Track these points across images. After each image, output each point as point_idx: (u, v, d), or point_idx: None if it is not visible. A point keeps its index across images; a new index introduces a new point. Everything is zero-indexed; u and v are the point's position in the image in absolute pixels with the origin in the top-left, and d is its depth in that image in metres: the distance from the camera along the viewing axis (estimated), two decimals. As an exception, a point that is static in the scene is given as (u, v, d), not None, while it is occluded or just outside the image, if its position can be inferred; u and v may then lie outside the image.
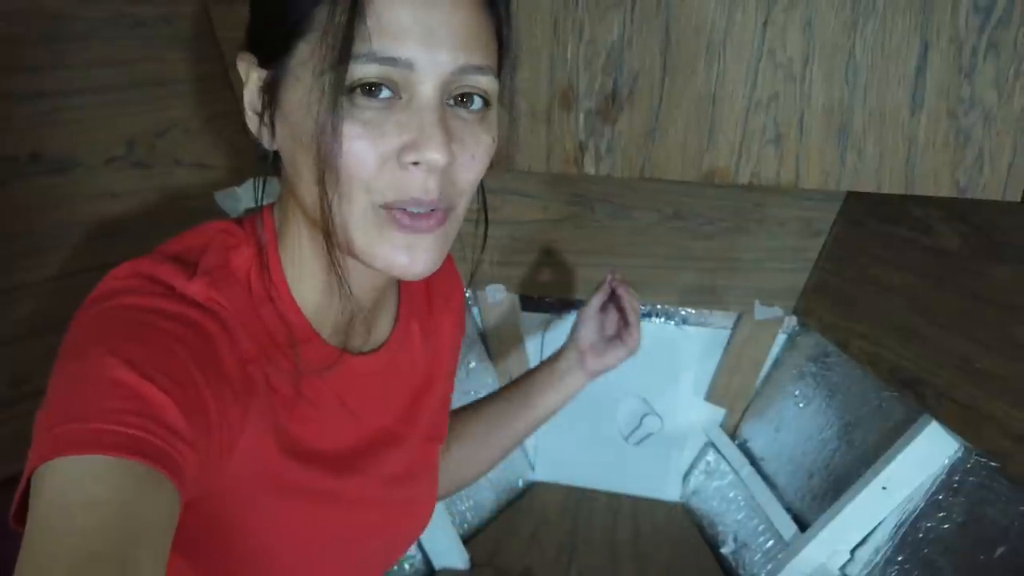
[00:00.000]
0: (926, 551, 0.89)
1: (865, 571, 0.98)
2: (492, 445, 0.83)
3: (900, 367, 0.96)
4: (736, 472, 1.28)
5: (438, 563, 1.18)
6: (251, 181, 0.94)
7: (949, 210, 0.91)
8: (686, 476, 1.41)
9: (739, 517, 1.23)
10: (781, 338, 1.32)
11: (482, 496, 1.32)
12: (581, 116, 0.78)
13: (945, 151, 0.71)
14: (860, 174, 0.74)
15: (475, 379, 1.35)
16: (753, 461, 1.29)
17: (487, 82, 0.47)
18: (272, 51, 0.46)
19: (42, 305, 0.75)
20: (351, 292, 0.52)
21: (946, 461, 0.91)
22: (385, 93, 0.44)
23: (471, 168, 0.48)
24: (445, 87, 0.45)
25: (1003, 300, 0.81)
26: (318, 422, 0.55)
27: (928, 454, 0.92)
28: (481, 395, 0.87)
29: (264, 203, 0.55)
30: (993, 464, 0.83)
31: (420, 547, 1.19)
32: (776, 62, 0.72)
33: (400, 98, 0.45)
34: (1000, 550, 0.79)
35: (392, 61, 0.43)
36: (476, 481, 0.87)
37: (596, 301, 0.85)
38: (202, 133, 0.90)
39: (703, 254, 1.23)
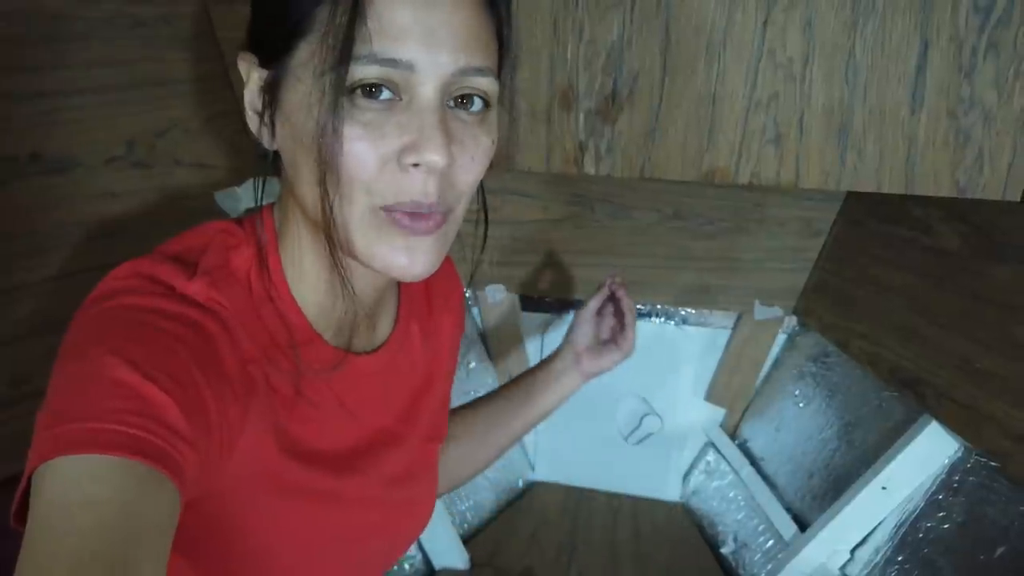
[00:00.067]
0: (926, 551, 0.89)
1: (865, 571, 0.98)
2: (489, 444, 0.83)
3: (900, 367, 0.96)
4: (736, 472, 1.28)
5: (438, 563, 1.18)
6: (251, 181, 0.94)
7: (949, 210, 0.91)
8: (686, 476, 1.41)
9: (739, 517, 1.23)
10: (781, 338, 1.32)
11: (482, 496, 1.32)
12: (581, 116, 0.78)
13: (945, 151, 0.71)
14: (860, 174, 0.74)
15: (475, 379, 1.35)
16: (753, 461, 1.29)
17: (487, 83, 0.47)
18: (273, 51, 0.46)
19: (42, 305, 0.75)
20: (354, 292, 0.52)
21: (946, 461, 0.91)
22: (385, 94, 0.44)
23: (470, 170, 0.48)
24: (445, 88, 0.45)
25: (1003, 300, 0.81)
26: (318, 422, 0.55)
27: (928, 454, 0.92)
28: (481, 395, 0.87)
29: (264, 203, 0.55)
30: (993, 464, 0.83)
31: (420, 547, 1.19)
32: (776, 62, 0.72)
33: (400, 99, 0.45)
34: (1000, 550, 0.79)
35: (393, 62, 0.43)
36: (472, 479, 0.88)
37: (594, 304, 0.86)
38: (202, 133, 0.90)
39: (703, 254, 1.23)
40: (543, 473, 1.45)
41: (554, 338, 1.38)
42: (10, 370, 0.73)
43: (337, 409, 0.57)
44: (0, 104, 0.69)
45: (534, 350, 1.41)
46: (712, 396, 1.38)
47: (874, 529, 0.98)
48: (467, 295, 1.34)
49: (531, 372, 0.85)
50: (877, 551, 0.97)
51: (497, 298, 1.33)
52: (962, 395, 0.85)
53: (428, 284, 0.69)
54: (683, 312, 1.35)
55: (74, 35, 0.74)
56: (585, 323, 0.85)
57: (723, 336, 1.35)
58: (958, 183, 0.72)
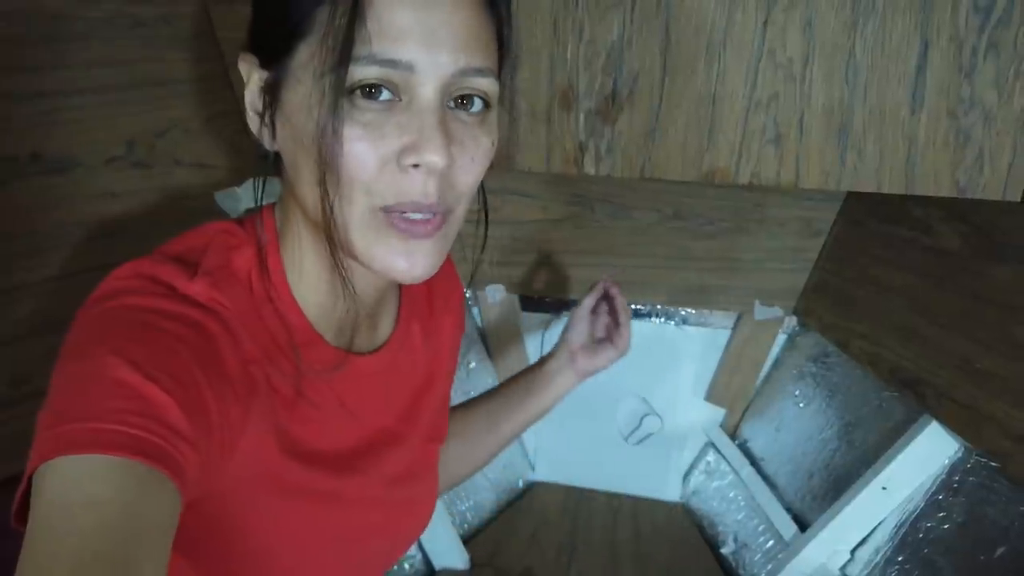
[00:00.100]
0: (926, 551, 0.89)
1: (865, 571, 0.98)
2: (485, 444, 0.84)
3: (900, 367, 0.96)
4: (736, 472, 1.28)
5: (438, 563, 1.18)
6: (251, 181, 0.94)
7: (949, 210, 0.91)
8: (686, 476, 1.41)
9: (739, 517, 1.23)
10: (781, 338, 1.32)
11: (482, 496, 1.32)
12: (581, 116, 0.78)
13: (945, 151, 0.71)
14: (860, 174, 0.74)
15: (475, 379, 1.35)
16: (753, 461, 1.29)
17: (488, 84, 0.47)
18: (273, 52, 0.46)
19: (42, 305, 0.75)
20: (355, 292, 0.52)
21: (946, 461, 0.91)
22: (385, 95, 0.44)
23: (470, 171, 0.48)
24: (445, 89, 0.45)
25: (1003, 300, 0.81)
26: (319, 422, 0.55)
27: (928, 454, 0.92)
28: (477, 395, 0.87)
29: (264, 203, 0.55)
30: (993, 464, 0.83)
31: (420, 547, 1.19)
32: (776, 62, 0.72)
33: (400, 100, 0.45)
34: (1000, 550, 0.79)
35: (392, 63, 0.43)
36: (469, 478, 0.88)
37: (588, 302, 0.85)
38: (202, 133, 0.90)
39: (703, 254, 1.23)
40: (543, 473, 1.45)
41: (554, 337, 1.36)
42: (10, 370, 0.73)
43: (338, 409, 0.57)
44: (0, 104, 0.69)
45: (534, 350, 1.41)
46: (712, 396, 1.38)
47: (874, 529, 0.98)
48: (467, 295, 1.34)
49: (527, 372, 0.85)
50: (877, 551, 0.97)
51: (497, 298, 1.33)
52: (962, 395, 0.85)
53: (429, 284, 0.69)
54: (683, 312, 1.35)
55: (74, 35, 0.74)
56: (580, 321, 0.85)
57: (723, 336, 1.35)
58: (958, 183, 0.72)
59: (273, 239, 0.54)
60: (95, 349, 0.40)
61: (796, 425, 1.22)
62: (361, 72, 0.43)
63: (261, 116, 0.49)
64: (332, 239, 0.47)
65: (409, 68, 0.43)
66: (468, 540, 1.24)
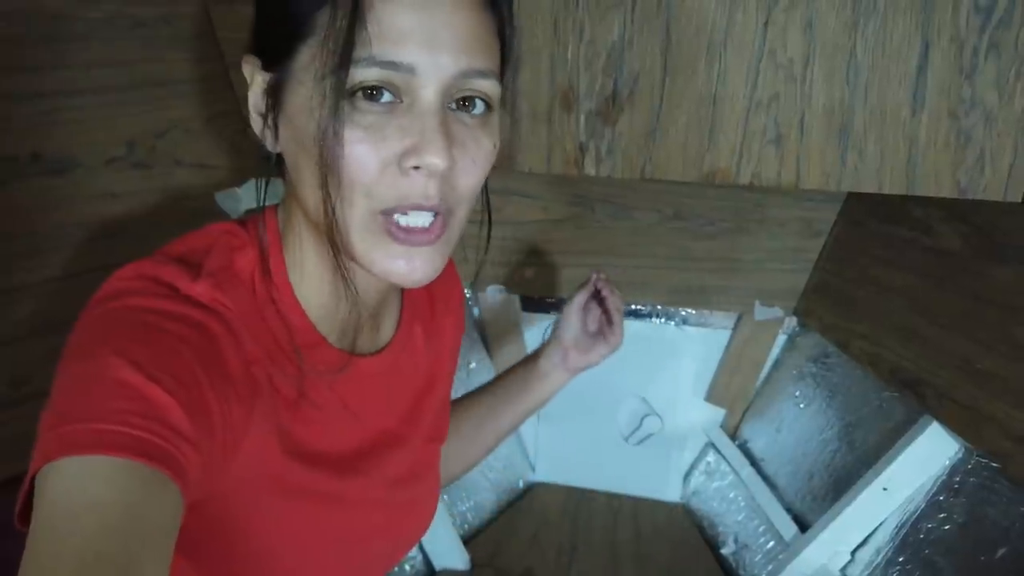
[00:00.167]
0: (927, 552, 0.89)
1: (866, 572, 0.98)
2: (479, 442, 0.84)
3: (901, 368, 0.96)
4: (736, 473, 1.28)
5: (439, 564, 1.18)
6: (252, 182, 0.94)
7: (950, 211, 0.91)
8: (686, 477, 1.41)
9: (739, 518, 1.23)
10: (781, 339, 1.32)
11: (482, 497, 1.32)
12: (582, 117, 0.78)
13: (946, 151, 0.71)
14: (861, 174, 0.74)
15: (475, 379, 1.35)
16: (753, 462, 1.29)
17: (489, 86, 0.47)
18: (275, 54, 0.46)
19: (42, 306, 0.75)
20: (357, 294, 0.52)
21: (947, 462, 0.91)
22: (386, 97, 0.44)
23: (472, 173, 0.48)
24: (447, 91, 0.45)
25: (1004, 301, 0.81)
26: (321, 424, 0.55)
27: (929, 455, 0.92)
28: (468, 392, 0.87)
29: (266, 204, 0.55)
30: (994, 465, 0.83)
31: (421, 548, 1.19)
32: (777, 62, 0.72)
33: (401, 102, 0.45)
34: (1001, 551, 0.79)
35: (393, 65, 0.43)
36: (464, 476, 0.88)
37: (579, 298, 0.85)
38: (202, 134, 0.90)
39: (704, 254, 1.23)
40: (543, 474, 1.45)
41: (554, 338, 1.38)
42: (10, 371, 0.73)
43: (340, 411, 0.57)
44: (0, 104, 0.69)
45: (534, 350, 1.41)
46: (712, 397, 1.38)
47: (875, 530, 0.98)
48: (467, 295, 1.34)
49: (519, 369, 0.85)
50: (878, 552, 0.97)
51: (497, 298, 1.33)
52: (963, 396, 0.85)
53: (431, 286, 0.69)
54: (683, 312, 1.35)
55: (74, 35, 0.74)
56: (571, 318, 0.84)
57: (723, 336, 1.35)
58: (959, 184, 0.72)
59: (275, 240, 0.54)
60: (98, 350, 0.40)
61: (796, 426, 1.22)
62: (362, 74, 0.43)
63: (264, 118, 0.49)
64: (333, 241, 0.47)
65: (410, 70, 0.43)
66: (468, 541, 1.24)
